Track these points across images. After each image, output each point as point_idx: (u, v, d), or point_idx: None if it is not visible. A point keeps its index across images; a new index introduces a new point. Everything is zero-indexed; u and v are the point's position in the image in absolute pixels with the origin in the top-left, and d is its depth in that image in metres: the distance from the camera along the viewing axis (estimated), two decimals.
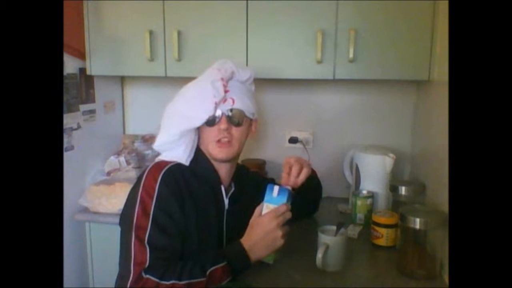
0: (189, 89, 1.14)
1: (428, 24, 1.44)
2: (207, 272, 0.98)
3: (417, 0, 1.43)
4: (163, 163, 1.11)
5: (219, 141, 1.12)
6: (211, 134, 1.13)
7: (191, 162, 1.15)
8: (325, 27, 1.49)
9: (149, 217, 1.01)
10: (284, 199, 1.06)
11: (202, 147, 1.17)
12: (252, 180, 1.34)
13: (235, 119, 1.13)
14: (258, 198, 1.09)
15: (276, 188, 1.08)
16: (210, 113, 1.09)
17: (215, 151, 1.13)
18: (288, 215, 1.05)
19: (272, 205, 1.06)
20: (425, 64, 1.45)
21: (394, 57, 1.48)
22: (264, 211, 1.06)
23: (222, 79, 1.10)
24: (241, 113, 1.14)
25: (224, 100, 1.11)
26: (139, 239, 0.99)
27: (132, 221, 1.02)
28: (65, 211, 1.58)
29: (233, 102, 1.12)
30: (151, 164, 1.12)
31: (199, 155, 1.16)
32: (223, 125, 1.11)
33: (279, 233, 1.03)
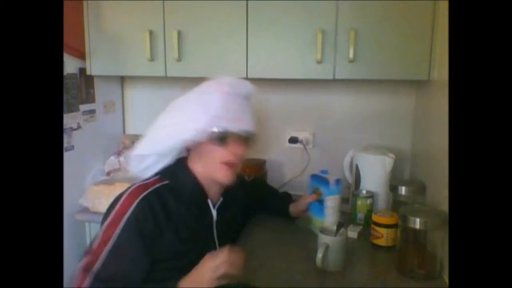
0: (188, 99, 1.07)
1: (428, 24, 1.43)
2: None
3: (417, 0, 1.43)
4: (141, 189, 1.04)
5: (227, 163, 1.05)
6: (219, 154, 1.04)
7: (173, 179, 1.08)
8: (325, 27, 1.49)
9: (106, 247, 0.96)
10: (339, 189, 1.29)
11: (196, 166, 1.10)
12: (239, 185, 1.24)
13: (246, 140, 1.07)
14: (245, 201, 1.07)
15: (332, 179, 1.27)
16: (209, 127, 1.01)
17: (220, 173, 1.05)
18: (226, 268, 0.92)
19: (332, 196, 1.29)
20: (425, 64, 1.45)
21: (394, 57, 1.48)
22: (327, 203, 1.27)
23: (227, 93, 1.03)
24: (252, 134, 1.08)
25: (236, 119, 1.03)
26: (87, 265, 0.96)
27: (96, 238, 0.98)
28: (65, 211, 1.58)
29: (246, 122, 1.05)
30: (131, 188, 1.06)
31: (185, 172, 1.09)
32: (237, 147, 1.04)
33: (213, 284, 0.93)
